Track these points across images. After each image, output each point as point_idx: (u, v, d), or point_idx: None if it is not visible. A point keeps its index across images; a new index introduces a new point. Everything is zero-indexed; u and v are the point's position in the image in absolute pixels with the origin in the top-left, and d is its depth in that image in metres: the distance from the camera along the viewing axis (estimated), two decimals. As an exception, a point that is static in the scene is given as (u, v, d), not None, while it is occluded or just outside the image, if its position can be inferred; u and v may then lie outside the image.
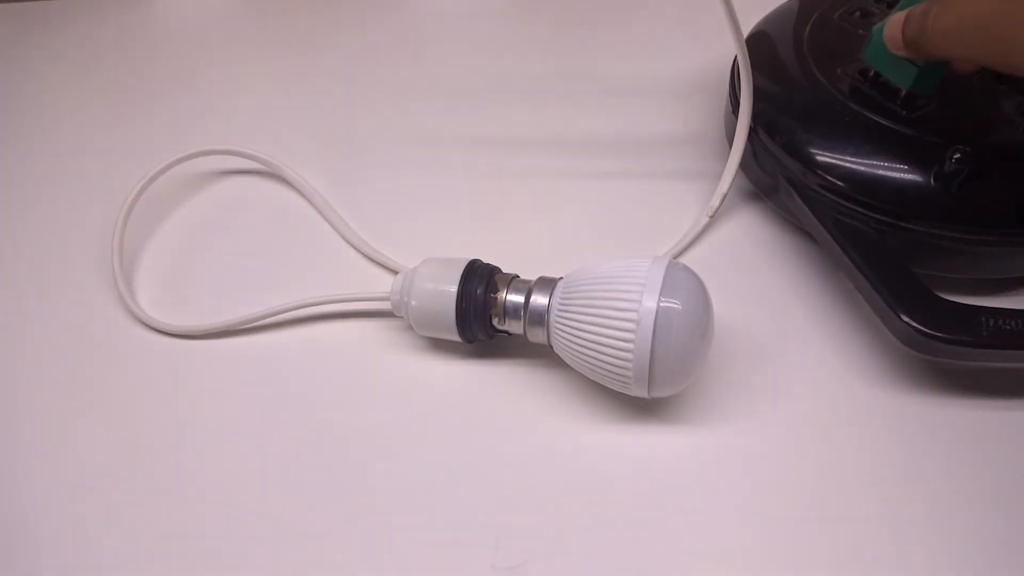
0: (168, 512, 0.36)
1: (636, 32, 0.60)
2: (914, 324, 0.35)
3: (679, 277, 0.34)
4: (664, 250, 0.45)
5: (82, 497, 0.37)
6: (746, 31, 0.49)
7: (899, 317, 0.35)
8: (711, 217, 0.45)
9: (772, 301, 0.43)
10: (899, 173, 0.39)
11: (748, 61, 0.43)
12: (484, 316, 0.38)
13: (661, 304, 0.33)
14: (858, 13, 0.47)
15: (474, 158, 0.52)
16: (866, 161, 0.39)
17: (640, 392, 0.35)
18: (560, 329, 0.36)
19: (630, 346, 0.33)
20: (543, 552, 0.34)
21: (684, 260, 0.45)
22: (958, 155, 0.37)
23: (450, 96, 0.56)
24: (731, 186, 0.45)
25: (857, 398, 0.38)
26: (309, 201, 0.49)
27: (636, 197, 0.48)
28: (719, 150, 0.50)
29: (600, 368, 0.35)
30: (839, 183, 0.40)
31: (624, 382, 0.35)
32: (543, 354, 0.40)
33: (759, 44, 0.47)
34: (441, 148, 0.53)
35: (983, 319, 0.35)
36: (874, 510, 0.35)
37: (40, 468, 0.38)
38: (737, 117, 0.44)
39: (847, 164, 0.40)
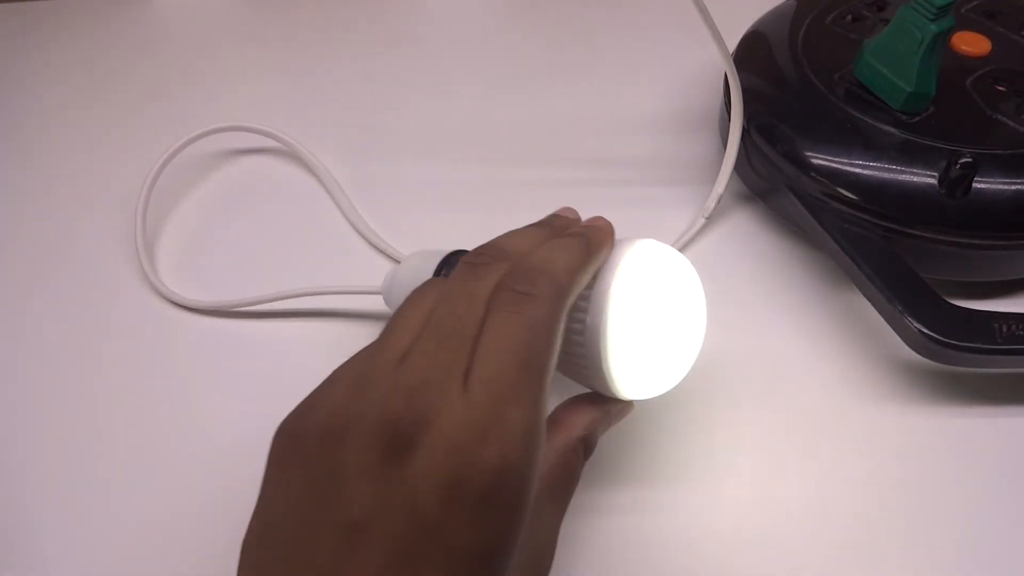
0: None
1: (634, 32, 0.60)
2: (928, 332, 0.35)
3: (650, 257, 0.30)
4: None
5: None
6: (744, 28, 0.49)
7: (912, 325, 0.35)
8: (706, 219, 0.45)
9: (769, 302, 0.42)
10: (904, 179, 0.39)
11: (734, 68, 0.42)
12: None
13: (616, 285, 0.28)
14: (850, 17, 0.46)
15: (477, 159, 0.51)
16: (870, 167, 0.39)
17: (603, 387, 0.30)
18: None
19: (582, 334, 0.28)
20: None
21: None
22: (966, 160, 0.37)
23: (453, 98, 0.56)
24: (727, 188, 0.44)
25: (859, 402, 0.38)
26: (327, 189, 0.50)
27: (633, 199, 0.48)
28: (716, 155, 0.49)
29: (564, 360, 0.30)
30: (843, 190, 0.39)
31: (583, 373, 0.30)
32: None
33: (755, 45, 0.47)
34: (449, 148, 0.52)
35: (996, 325, 0.35)
36: (878, 518, 0.34)
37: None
38: (731, 118, 0.44)
39: (850, 171, 0.39)
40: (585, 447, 0.29)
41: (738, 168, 0.45)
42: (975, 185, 0.38)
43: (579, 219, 0.32)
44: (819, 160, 0.40)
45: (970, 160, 0.37)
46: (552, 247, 0.27)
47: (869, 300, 0.38)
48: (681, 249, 0.44)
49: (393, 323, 0.27)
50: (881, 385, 0.38)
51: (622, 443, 0.37)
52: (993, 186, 0.38)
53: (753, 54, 0.46)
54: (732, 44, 0.47)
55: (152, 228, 0.47)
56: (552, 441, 0.29)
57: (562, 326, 0.26)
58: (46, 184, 0.51)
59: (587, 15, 0.62)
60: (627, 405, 0.32)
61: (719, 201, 0.45)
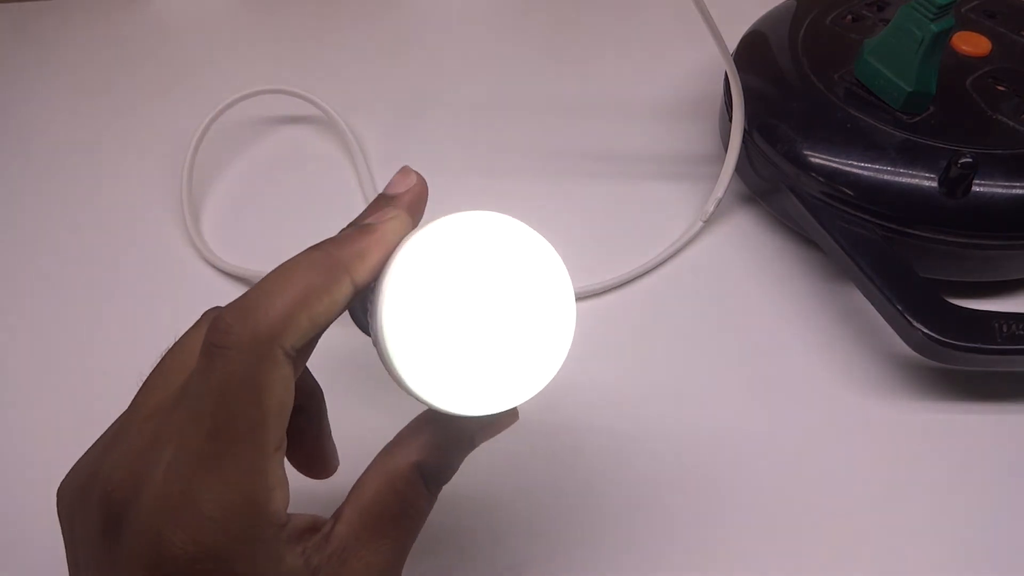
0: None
1: (634, 33, 0.60)
2: (928, 332, 0.35)
3: (442, 242, 0.23)
4: (656, 253, 0.44)
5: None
6: (744, 28, 0.49)
7: (912, 325, 0.35)
8: (705, 222, 0.45)
9: (769, 302, 0.42)
10: (904, 179, 0.39)
11: (737, 74, 0.42)
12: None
13: (388, 294, 0.22)
14: (850, 17, 0.46)
15: (470, 162, 0.51)
16: (870, 167, 0.39)
17: (431, 408, 0.24)
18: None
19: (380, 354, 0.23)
20: (543, 553, 0.34)
21: (678, 264, 0.44)
22: (966, 160, 0.37)
23: (455, 98, 0.55)
24: (726, 191, 0.44)
25: (858, 404, 0.38)
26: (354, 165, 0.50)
27: (632, 201, 0.48)
28: (716, 153, 0.49)
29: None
30: (844, 190, 0.39)
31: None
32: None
33: (755, 45, 0.47)
34: (453, 139, 0.52)
35: (996, 324, 0.35)
36: (878, 515, 0.34)
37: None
38: (731, 122, 0.44)
39: (851, 171, 0.39)
40: (426, 473, 0.24)
41: (738, 168, 0.44)
42: (975, 185, 0.37)
43: (400, 195, 0.25)
44: (819, 160, 0.40)
45: (970, 160, 0.36)
46: (277, 274, 0.22)
47: (869, 300, 0.38)
48: (681, 250, 0.44)
49: (157, 365, 0.24)
50: (881, 384, 0.38)
51: (618, 444, 0.37)
52: (993, 186, 0.38)
53: (753, 54, 0.46)
54: (732, 44, 0.47)
55: (197, 194, 0.49)
56: (380, 467, 0.24)
57: (278, 374, 0.21)
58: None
59: (585, 14, 0.62)
60: (493, 420, 0.26)
61: (718, 204, 0.45)
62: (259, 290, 0.21)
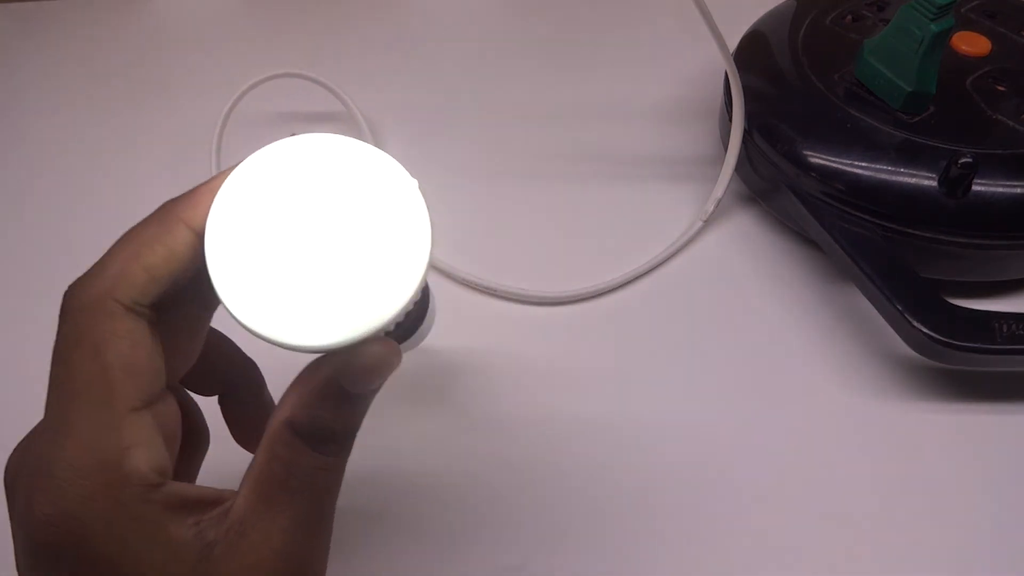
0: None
1: (634, 34, 0.60)
2: (928, 332, 0.35)
3: (264, 160, 0.23)
4: (656, 253, 0.44)
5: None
6: (744, 28, 0.49)
7: (912, 325, 0.35)
8: (705, 222, 0.45)
9: (769, 302, 0.42)
10: (904, 179, 0.39)
11: (737, 74, 0.42)
12: None
13: (208, 232, 0.22)
14: (850, 17, 0.46)
15: (472, 160, 0.51)
16: (870, 167, 0.39)
17: (239, 322, 0.21)
18: None
19: None
20: (543, 553, 0.34)
21: (678, 264, 0.44)
22: (966, 160, 0.37)
23: (454, 101, 0.55)
24: (726, 191, 0.44)
25: (858, 404, 0.38)
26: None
27: (632, 201, 0.48)
28: (715, 153, 0.49)
29: None
30: (843, 190, 0.39)
31: None
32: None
33: (755, 45, 0.47)
34: (447, 138, 0.52)
35: (997, 324, 0.35)
36: (878, 515, 0.34)
37: None
38: (731, 122, 0.44)
39: (851, 171, 0.39)
40: (299, 429, 0.22)
41: (738, 168, 0.44)
42: (975, 185, 0.37)
43: None
44: (819, 160, 0.40)
45: (970, 160, 0.37)
46: (118, 239, 0.22)
47: (869, 300, 0.38)
48: (681, 249, 0.44)
49: None
50: (881, 384, 0.38)
51: (620, 442, 0.37)
52: (993, 186, 0.38)
53: (753, 54, 0.46)
54: (732, 44, 0.47)
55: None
56: (265, 433, 0.22)
57: (117, 328, 0.21)
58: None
59: (585, 15, 0.62)
60: (350, 356, 0.22)
61: (718, 204, 0.45)
62: (102, 256, 0.22)
